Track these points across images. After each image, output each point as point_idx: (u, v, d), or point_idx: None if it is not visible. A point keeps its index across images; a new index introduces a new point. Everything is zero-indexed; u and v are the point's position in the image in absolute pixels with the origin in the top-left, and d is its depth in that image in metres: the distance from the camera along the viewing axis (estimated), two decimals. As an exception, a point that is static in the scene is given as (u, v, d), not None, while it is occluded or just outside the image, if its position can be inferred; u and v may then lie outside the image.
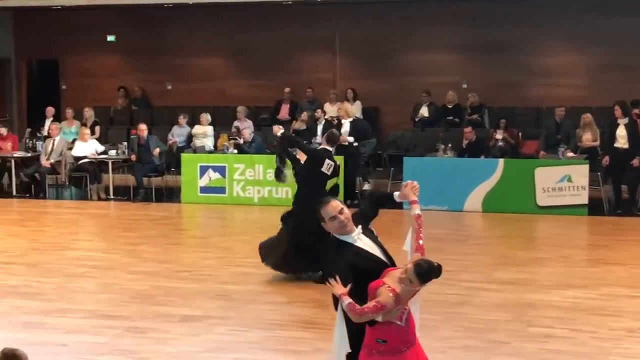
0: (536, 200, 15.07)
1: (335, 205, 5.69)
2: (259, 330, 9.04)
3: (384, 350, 5.54)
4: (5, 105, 22.37)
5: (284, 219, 11.14)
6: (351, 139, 16.01)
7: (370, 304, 5.41)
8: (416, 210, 5.83)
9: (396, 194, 6.02)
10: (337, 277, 5.50)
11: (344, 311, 5.53)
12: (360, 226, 5.78)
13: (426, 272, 5.39)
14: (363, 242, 5.74)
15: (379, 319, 5.48)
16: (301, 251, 10.68)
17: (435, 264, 5.41)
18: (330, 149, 11.22)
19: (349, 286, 5.45)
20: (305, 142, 12.19)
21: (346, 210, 5.74)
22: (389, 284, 5.46)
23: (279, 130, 11.52)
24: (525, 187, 15.10)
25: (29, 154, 17.51)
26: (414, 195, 5.90)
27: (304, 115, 18.26)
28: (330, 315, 9.32)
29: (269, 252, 11.07)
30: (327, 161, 10.85)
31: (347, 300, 5.43)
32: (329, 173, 10.85)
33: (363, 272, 5.57)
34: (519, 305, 9.80)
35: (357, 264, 5.61)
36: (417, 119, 19.29)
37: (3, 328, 9.22)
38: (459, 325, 8.82)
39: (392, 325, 5.55)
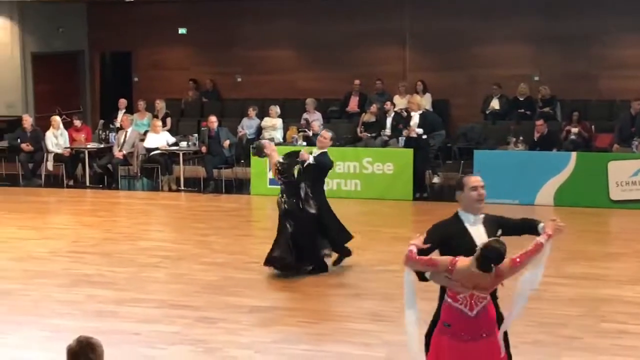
0: (609, 195, 14.82)
1: (480, 179, 6.04)
2: (328, 322, 9.06)
3: (449, 332, 5.69)
4: (79, 98, 22.74)
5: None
6: (420, 131, 15.91)
7: (426, 257, 5.70)
8: (543, 239, 5.83)
9: (541, 225, 6.02)
10: (425, 234, 5.87)
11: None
12: (483, 215, 6.01)
13: (481, 256, 5.48)
14: (476, 229, 5.95)
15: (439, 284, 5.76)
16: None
17: (495, 252, 5.46)
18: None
19: (422, 242, 5.79)
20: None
21: (484, 192, 6.01)
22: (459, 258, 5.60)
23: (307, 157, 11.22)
24: (598, 181, 14.85)
25: (102, 146, 17.76)
26: (552, 231, 5.91)
27: (373, 108, 18.21)
28: (398, 308, 9.31)
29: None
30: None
31: (412, 246, 5.72)
32: None
33: (450, 250, 5.76)
34: (592, 300, 9.66)
35: (451, 240, 5.88)
36: (487, 112, 19.11)
37: (77, 317, 9.38)
38: (531, 320, 8.71)
39: (459, 312, 5.64)
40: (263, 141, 11.96)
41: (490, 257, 5.48)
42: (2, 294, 10.20)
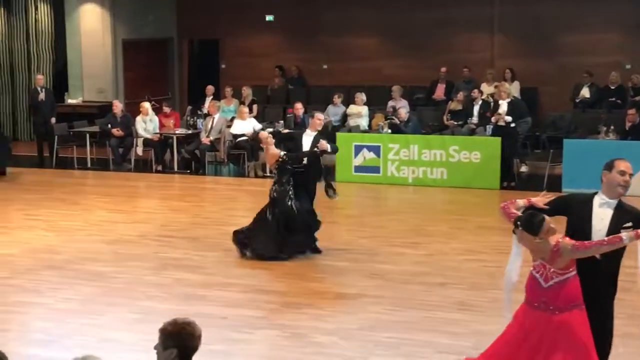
0: (703, 186, 14.42)
1: (630, 166, 6.17)
2: (414, 310, 9.03)
3: (526, 297, 6.00)
4: (167, 84, 23.07)
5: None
6: (509, 118, 15.71)
7: (512, 212, 6.16)
8: (625, 235, 5.84)
9: None
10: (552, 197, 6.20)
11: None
12: (617, 201, 6.12)
13: (520, 219, 5.91)
14: (602, 212, 6.06)
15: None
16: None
17: (524, 218, 5.89)
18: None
19: (544, 200, 6.13)
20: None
21: (630, 180, 6.15)
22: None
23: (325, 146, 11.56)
24: (691, 171, 14.46)
25: (190, 132, 17.98)
26: None
27: (460, 96, 18.06)
28: (486, 298, 9.24)
29: (253, 239, 11.15)
30: None
31: (520, 200, 6.20)
32: None
33: (567, 223, 6.05)
34: (685, 294, 9.43)
35: (571, 214, 6.11)
36: (577, 100, 18.78)
37: (166, 300, 9.54)
38: (620, 312, 8.52)
39: (535, 280, 5.89)
40: (262, 133, 12.10)
41: (522, 220, 5.86)
42: (94, 276, 10.42)
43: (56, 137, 18.34)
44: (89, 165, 18.05)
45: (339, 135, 16.74)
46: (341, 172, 16.38)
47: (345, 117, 18.58)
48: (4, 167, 17.26)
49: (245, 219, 13.74)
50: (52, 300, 9.52)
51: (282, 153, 11.33)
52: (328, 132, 12.12)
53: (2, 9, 21.73)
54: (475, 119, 17.27)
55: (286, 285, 10.01)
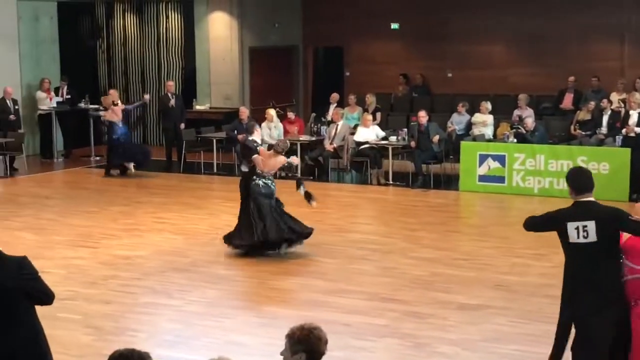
0: None
1: None
2: (540, 323, 8.86)
3: None
4: (292, 91, 23.32)
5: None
6: (639, 129, 15.29)
7: None
8: None
9: None
10: None
11: None
12: None
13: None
14: None
15: None
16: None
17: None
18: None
19: None
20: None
21: None
22: None
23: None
24: None
25: (314, 138, 18.12)
26: None
27: (590, 105, 17.67)
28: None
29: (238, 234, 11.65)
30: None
31: None
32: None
33: None
34: None
35: None
36: None
37: (289, 305, 9.65)
38: None
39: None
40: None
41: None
42: (220, 279, 10.62)
43: (184, 142, 18.76)
44: (215, 170, 18.39)
45: (463, 144, 16.61)
46: (465, 182, 16.24)
47: (469, 125, 18.40)
48: (141, 166, 18.10)
49: (367, 226, 13.86)
50: (179, 302, 9.75)
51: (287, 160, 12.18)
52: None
53: (134, 17, 22.39)
54: (604, 129, 16.87)
55: (410, 294, 9.99)
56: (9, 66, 19.85)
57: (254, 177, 11.80)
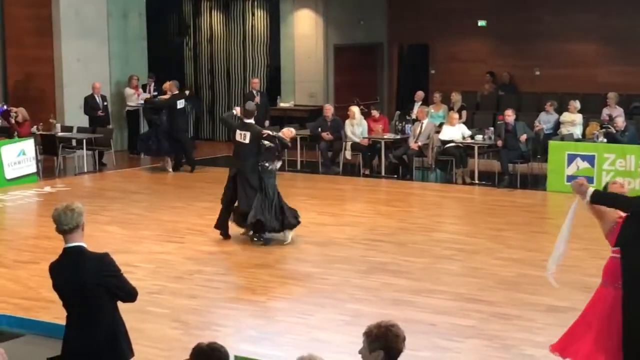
0: None
1: None
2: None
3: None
4: (376, 89, 23.24)
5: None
6: None
7: None
8: None
9: None
10: None
11: None
12: None
13: None
14: None
15: None
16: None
17: None
18: (248, 121, 12.41)
19: None
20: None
21: None
22: None
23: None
24: None
25: (398, 137, 18.02)
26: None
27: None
28: None
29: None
30: (238, 131, 12.30)
31: None
32: (245, 141, 12.19)
33: None
34: None
35: None
36: None
37: (373, 303, 9.59)
38: None
39: None
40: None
41: None
42: (304, 276, 10.63)
43: (269, 139, 18.82)
44: (298, 167, 18.42)
45: (551, 143, 16.33)
46: (553, 182, 15.96)
47: (557, 125, 18.08)
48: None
49: (452, 226, 13.73)
50: (264, 298, 9.78)
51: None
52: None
53: (221, 14, 22.58)
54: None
55: (496, 294, 9.85)
56: (98, 63, 20.22)
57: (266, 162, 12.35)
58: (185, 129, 18.67)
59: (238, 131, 12.39)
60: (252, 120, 12.52)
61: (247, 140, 12.24)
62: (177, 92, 18.50)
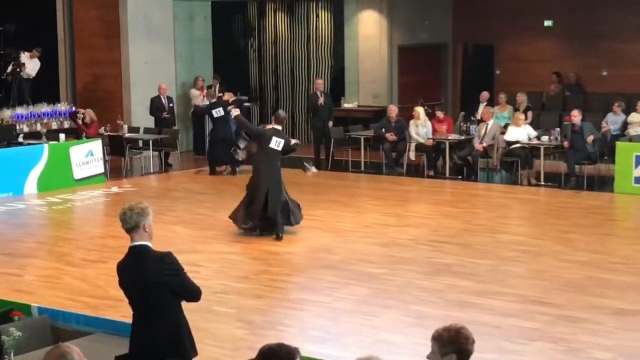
0: None
1: None
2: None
3: None
4: (441, 89, 23.14)
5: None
6: None
7: None
8: None
9: None
10: None
11: None
12: None
13: None
14: None
15: None
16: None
17: None
18: (279, 127, 12.97)
19: None
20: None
21: None
22: None
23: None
24: None
25: (463, 137, 17.91)
26: None
27: None
28: None
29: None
30: (275, 139, 12.67)
31: None
32: (279, 148, 12.67)
33: None
34: None
35: None
36: None
37: (438, 305, 9.56)
38: None
39: None
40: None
41: None
42: (368, 277, 10.63)
43: (332, 140, 18.88)
44: (362, 168, 18.42)
45: (618, 144, 16.09)
46: (620, 183, 15.72)
47: (625, 125, 17.81)
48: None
49: (518, 228, 13.62)
50: (329, 299, 9.80)
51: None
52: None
53: (285, 16, 22.69)
54: None
55: (562, 297, 9.74)
56: (165, 65, 20.47)
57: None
58: (222, 137, 18.04)
59: (275, 138, 12.73)
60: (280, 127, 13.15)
61: (280, 147, 12.75)
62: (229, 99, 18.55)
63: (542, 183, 16.64)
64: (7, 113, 18.32)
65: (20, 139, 17.51)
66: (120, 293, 5.85)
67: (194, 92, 20.62)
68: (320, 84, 19.69)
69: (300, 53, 22.67)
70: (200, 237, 12.74)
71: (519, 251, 11.80)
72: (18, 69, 19.63)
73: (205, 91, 20.60)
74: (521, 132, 17.13)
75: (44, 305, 7.64)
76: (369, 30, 21.76)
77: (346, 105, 21.82)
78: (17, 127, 18.09)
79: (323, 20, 22.35)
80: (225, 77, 21.30)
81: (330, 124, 19.13)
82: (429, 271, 10.86)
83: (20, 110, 18.43)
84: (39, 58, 20.12)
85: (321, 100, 19.11)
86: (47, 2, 21.13)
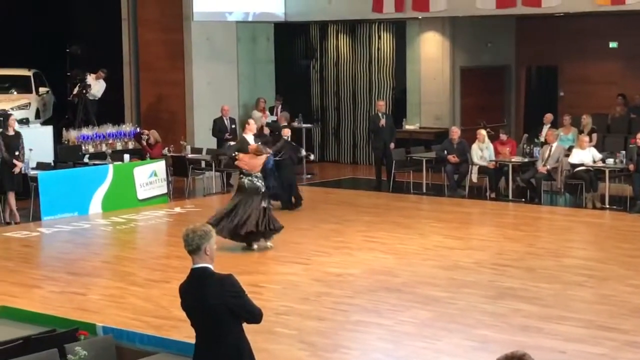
0: None
1: None
2: None
3: None
4: (504, 111, 22.97)
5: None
6: None
7: None
8: None
9: None
10: None
11: None
12: None
13: None
14: None
15: None
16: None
17: None
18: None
19: None
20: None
21: None
22: None
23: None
24: None
25: (526, 160, 17.74)
26: None
27: None
28: None
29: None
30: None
31: None
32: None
33: None
34: None
35: None
36: None
37: (502, 329, 9.44)
38: None
39: None
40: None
41: None
42: (430, 300, 10.55)
43: (394, 161, 18.83)
44: (424, 190, 18.33)
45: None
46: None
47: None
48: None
49: (583, 251, 13.42)
50: (390, 321, 9.75)
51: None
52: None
53: (347, 37, 22.74)
54: None
55: (629, 322, 9.56)
56: (228, 86, 20.67)
57: (241, 175, 13.39)
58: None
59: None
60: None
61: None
62: (285, 123, 18.49)
63: (607, 206, 16.39)
64: (73, 134, 18.65)
65: (86, 160, 17.79)
66: (183, 314, 5.88)
67: (256, 113, 20.74)
68: (382, 106, 19.67)
69: (362, 74, 22.70)
70: (261, 258, 12.78)
71: (584, 275, 11.63)
72: (84, 91, 19.97)
73: (267, 113, 20.72)
74: (586, 155, 16.91)
75: (108, 324, 7.70)
76: (431, 52, 21.71)
77: (408, 127, 21.75)
78: (83, 147, 18.40)
79: (385, 41, 22.35)
80: (287, 98, 21.42)
81: (392, 145, 19.10)
82: (493, 295, 10.74)
83: (86, 131, 18.74)
84: (105, 79, 20.46)
85: (383, 121, 19.09)
86: (113, 25, 21.49)
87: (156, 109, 21.05)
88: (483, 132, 18.16)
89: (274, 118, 20.74)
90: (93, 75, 20.24)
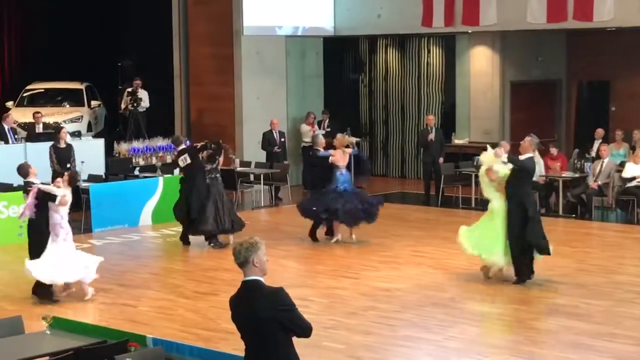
0: None
1: None
2: None
3: None
4: (554, 126, 22.78)
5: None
6: None
7: None
8: None
9: None
10: None
11: None
12: None
13: None
14: None
15: None
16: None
17: None
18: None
19: None
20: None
21: None
22: None
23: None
24: None
25: (577, 175, 17.57)
26: None
27: None
28: None
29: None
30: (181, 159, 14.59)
31: None
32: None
33: None
34: None
35: None
36: None
37: (552, 346, 9.37)
38: None
39: None
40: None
41: None
42: (478, 316, 10.52)
43: (442, 176, 18.75)
44: (473, 205, 18.20)
45: None
46: None
47: None
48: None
49: (635, 268, 13.24)
50: (439, 337, 9.69)
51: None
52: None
53: (396, 51, 22.73)
54: None
55: (682, 342, 9.42)
56: (277, 100, 20.76)
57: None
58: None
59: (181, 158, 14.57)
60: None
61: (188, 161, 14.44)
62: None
63: (655, 223, 16.17)
64: (124, 147, 18.86)
65: (136, 172, 17.96)
66: (232, 326, 5.90)
67: (305, 127, 20.80)
68: (431, 120, 19.61)
69: (411, 88, 22.66)
70: (310, 272, 12.80)
71: (636, 292, 11.48)
72: (135, 104, 20.21)
73: (315, 127, 20.76)
74: (638, 170, 16.70)
75: (157, 336, 7.76)
76: (481, 66, 21.62)
77: (457, 141, 21.66)
78: (134, 160, 18.60)
79: (434, 55, 22.31)
80: (336, 112, 21.44)
81: (441, 159, 19.03)
82: (542, 311, 10.66)
83: (137, 144, 18.95)
84: (143, 86, 20.77)
85: (432, 135, 19.03)
86: (164, 39, 21.71)
87: (206, 122, 21.20)
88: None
89: (322, 132, 20.76)
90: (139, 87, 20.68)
